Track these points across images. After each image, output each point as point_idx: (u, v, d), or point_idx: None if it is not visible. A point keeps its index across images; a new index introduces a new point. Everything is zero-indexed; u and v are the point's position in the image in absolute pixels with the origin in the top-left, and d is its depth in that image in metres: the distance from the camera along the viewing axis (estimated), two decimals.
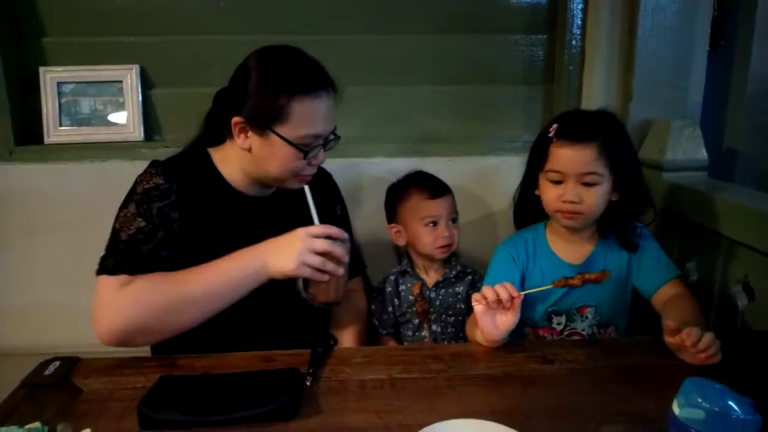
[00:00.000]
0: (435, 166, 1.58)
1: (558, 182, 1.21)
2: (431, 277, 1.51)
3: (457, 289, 1.50)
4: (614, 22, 1.64)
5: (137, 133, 1.67)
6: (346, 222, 1.43)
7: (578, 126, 1.22)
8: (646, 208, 1.28)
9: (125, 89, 1.65)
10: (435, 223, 1.46)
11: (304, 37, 1.62)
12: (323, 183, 1.33)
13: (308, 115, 1.10)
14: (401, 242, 1.53)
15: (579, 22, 1.67)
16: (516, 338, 1.31)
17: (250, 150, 1.14)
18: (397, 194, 1.52)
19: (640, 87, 1.63)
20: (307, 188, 1.15)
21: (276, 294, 1.10)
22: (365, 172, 1.68)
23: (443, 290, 1.50)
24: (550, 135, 1.22)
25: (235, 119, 1.12)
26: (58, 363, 1.03)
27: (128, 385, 0.96)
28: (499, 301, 1.04)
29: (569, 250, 1.29)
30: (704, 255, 1.40)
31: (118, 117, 1.67)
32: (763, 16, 1.86)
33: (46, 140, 1.65)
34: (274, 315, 1.16)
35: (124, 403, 0.90)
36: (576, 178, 1.19)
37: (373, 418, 0.86)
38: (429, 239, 1.46)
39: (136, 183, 1.15)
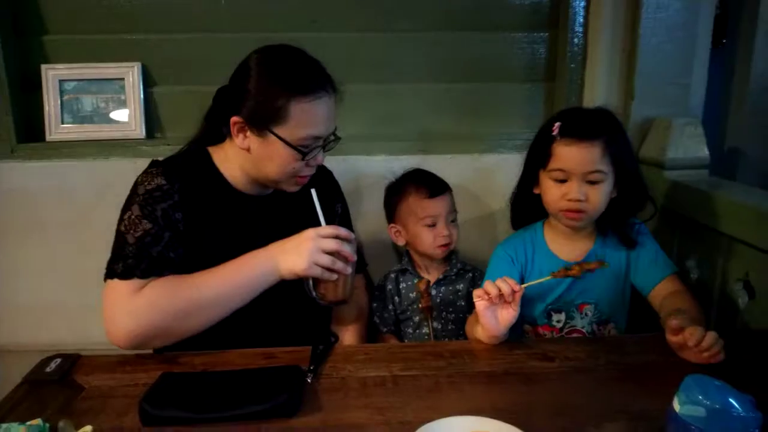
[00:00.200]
0: (436, 163, 1.58)
1: (561, 181, 1.21)
2: (432, 275, 1.51)
3: (457, 286, 1.51)
4: (616, 20, 1.64)
5: (139, 131, 1.67)
6: (347, 219, 1.43)
7: (582, 124, 1.21)
8: (644, 205, 1.28)
9: (127, 87, 1.65)
10: (434, 223, 1.45)
11: (306, 35, 1.65)
12: (324, 181, 1.33)
13: (307, 117, 1.10)
14: (401, 242, 1.53)
15: (581, 20, 1.67)
16: (516, 336, 1.32)
17: (248, 150, 1.14)
18: (396, 194, 1.52)
19: (642, 85, 1.62)
20: (313, 191, 1.15)
21: (278, 292, 1.11)
22: (366, 170, 1.68)
23: (444, 288, 1.50)
24: (553, 133, 1.21)
25: (234, 119, 1.12)
26: (59, 360, 1.03)
27: (129, 382, 0.97)
28: (500, 295, 1.05)
29: (568, 248, 1.29)
30: (705, 253, 1.39)
31: (120, 115, 1.67)
32: (766, 15, 1.86)
33: (48, 138, 1.65)
34: (275, 313, 1.16)
35: (125, 400, 0.91)
36: (581, 176, 1.19)
37: (374, 415, 0.86)
38: (428, 239, 1.46)
39: (137, 184, 1.15)
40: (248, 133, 1.12)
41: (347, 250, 1.08)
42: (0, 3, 1.58)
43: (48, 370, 1.00)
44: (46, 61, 1.64)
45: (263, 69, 1.12)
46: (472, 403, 0.89)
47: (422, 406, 0.88)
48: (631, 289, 1.30)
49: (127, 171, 1.26)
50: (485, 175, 1.71)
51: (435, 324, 1.48)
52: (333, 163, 1.39)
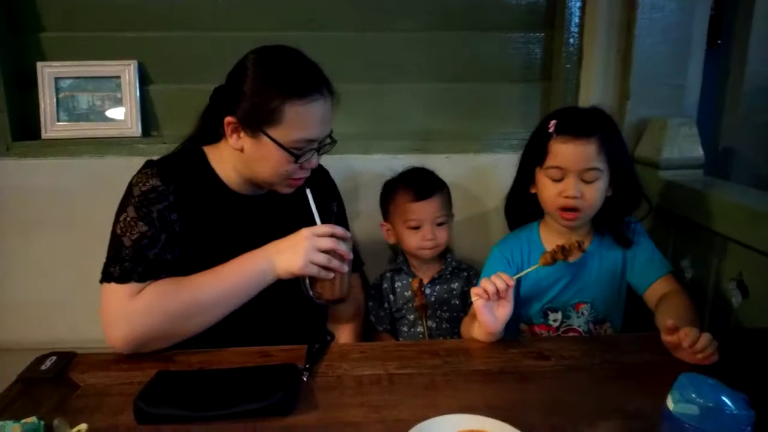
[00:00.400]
0: (432, 163, 1.59)
1: (558, 179, 1.21)
2: (426, 274, 1.52)
3: (452, 285, 1.51)
4: (612, 21, 1.65)
5: (135, 129, 1.67)
6: (343, 218, 1.43)
7: (578, 121, 1.22)
8: (639, 204, 1.29)
9: (123, 85, 1.65)
10: (418, 226, 1.46)
11: (303, 34, 1.65)
12: (320, 179, 1.33)
13: (301, 119, 1.10)
14: (391, 240, 1.54)
15: (577, 20, 1.68)
16: (512, 335, 1.32)
17: (242, 150, 1.13)
18: (388, 192, 1.53)
19: (637, 85, 1.63)
20: (308, 190, 1.15)
21: (274, 291, 1.11)
22: (362, 169, 1.68)
23: (438, 286, 1.50)
24: (550, 131, 1.22)
25: (228, 119, 1.11)
26: (54, 358, 1.03)
27: (125, 380, 0.96)
28: (496, 292, 1.06)
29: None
30: (699, 252, 1.40)
31: (116, 113, 1.67)
32: (760, 16, 1.87)
33: (44, 135, 1.64)
34: (271, 312, 1.16)
35: (120, 398, 0.90)
36: (577, 173, 1.19)
37: (369, 413, 0.86)
38: (412, 240, 1.46)
39: (132, 185, 1.14)
40: (242, 134, 1.12)
41: (343, 248, 1.09)
42: None
43: (43, 368, 0.99)
44: (42, 59, 1.64)
45: (259, 70, 1.11)
46: (467, 402, 0.89)
47: (417, 404, 0.88)
48: (627, 288, 1.30)
49: (122, 169, 1.25)
50: (481, 174, 1.72)
51: (429, 323, 1.48)
52: (329, 161, 1.39)
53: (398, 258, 1.58)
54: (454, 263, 1.53)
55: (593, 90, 1.68)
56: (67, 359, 1.03)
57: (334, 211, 1.39)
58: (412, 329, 1.51)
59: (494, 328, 1.08)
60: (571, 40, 1.69)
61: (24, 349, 1.14)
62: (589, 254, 1.28)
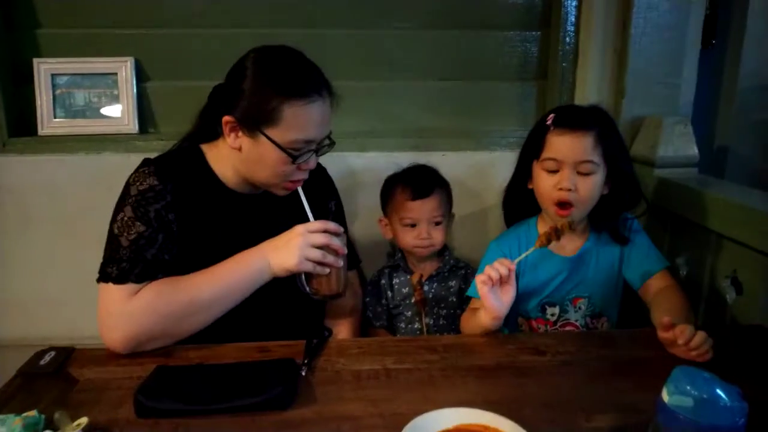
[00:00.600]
0: (428, 161, 1.59)
1: (554, 172, 1.23)
2: (424, 271, 1.52)
3: (450, 283, 1.52)
4: (608, 20, 1.66)
5: (131, 126, 1.66)
6: (341, 216, 1.44)
7: (576, 115, 1.24)
8: (638, 202, 1.30)
9: (120, 82, 1.65)
10: (414, 224, 1.46)
11: (300, 31, 1.65)
12: (318, 177, 1.34)
13: (299, 120, 1.10)
14: (388, 236, 1.54)
15: (573, 19, 1.69)
16: (510, 329, 1.33)
17: (240, 149, 1.13)
18: (387, 188, 1.53)
19: (632, 84, 1.64)
20: (299, 188, 1.16)
21: (271, 288, 1.11)
22: (359, 166, 1.69)
23: (436, 284, 1.51)
24: (547, 123, 1.24)
25: (226, 118, 1.11)
26: (53, 353, 1.03)
27: (124, 375, 0.97)
28: (500, 277, 1.10)
29: (562, 243, 1.30)
30: (694, 250, 1.41)
31: (113, 109, 1.67)
32: (755, 16, 1.88)
33: (40, 132, 1.64)
34: (269, 308, 1.17)
35: (119, 392, 0.91)
36: (573, 165, 1.20)
37: (368, 407, 0.87)
38: (407, 238, 1.47)
39: (129, 184, 1.13)
40: (240, 133, 1.12)
41: (337, 243, 1.10)
42: None
43: (42, 363, 1.00)
44: (38, 55, 1.64)
45: (258, 69, 1.11)
46: (464, 396, 0.90)
47: (415, 398, 0.89)
48: (623, 283, 1.32)
49: (119, 166, 1.26)
50: (478, 172, 1.72)
51: (427, 319, 1.49)
52: (326, 159, 1.39)
53: (396, 255, 1.58)
54: (452, 261, 1.54)
55: (589, 88, 1.69)
56: (65, 354, 1.03)
57: (332, 210, 1.39)
58: (410, 326, 1.52)
59: (500, 311, 1.10)
60: (568, 39, 1.70)
61: (21, 345, 1.14)
62: (587, 250, 1.30)
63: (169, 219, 1.12)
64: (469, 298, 1.33)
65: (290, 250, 1.07)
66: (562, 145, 1.21)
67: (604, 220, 1.29)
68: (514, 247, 1.32)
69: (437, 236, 1.47)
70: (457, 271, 1.53)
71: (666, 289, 1.22)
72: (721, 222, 1.31)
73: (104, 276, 1.06)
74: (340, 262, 1.11)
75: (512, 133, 1.73)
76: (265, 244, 1.11)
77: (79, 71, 1.65)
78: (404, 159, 1.60)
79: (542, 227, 1.33)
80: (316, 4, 1.67)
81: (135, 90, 1.66)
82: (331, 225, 1.11)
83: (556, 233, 1.17)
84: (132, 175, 1.15)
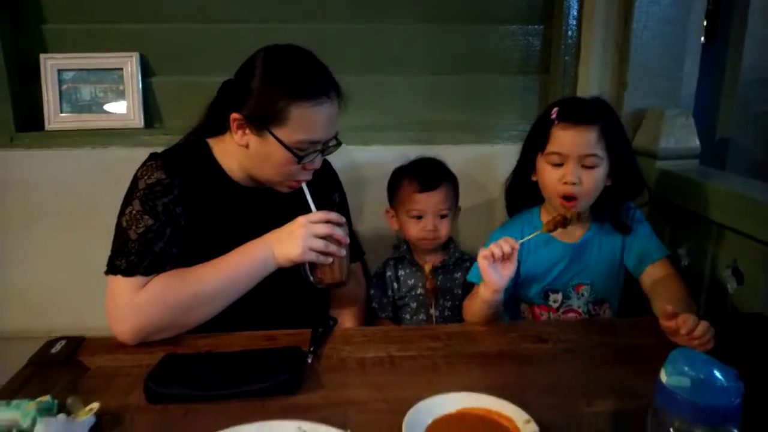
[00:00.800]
0: (431, 154, 1.59)
1: (558, 165, 1.24)
2: (430, 263, 1.53)
3: (455, 275, 1.53)
4: (610, 13, 1.66)
5: (137, 121, 1.68)
6: (345, 209, 1.45)
7: (580, 109, 1.25)
8: (639, 193, 1.31)
9: (125, 77, 1.66)
10: (420, 216, 1.47)
11: (303, 25, 1.66)
12: (322, 170, 1.35)
13: (307, 121, 1.11)
14: (394, 227, 1.56)
15: (575, 13, 1.69)
16: (513, 316, 1.35)
17: (247, 147, 1.15)
18: (395, 179, 1.54)
19: (634, 77, 1.65)
20: (303, 183, 1.17)
21: (277, 278, 1.13)
22: (362, 160, 1.70)
23: (441, 276, 1.52)
24: (552, 117, 1.25)
25: (234, 115, 1.12)
26: (64, 342, 1.05)
27: (133, 363, 0.99)
28: (502, 255, 1.11)
29: (565, 231, 1.31)
30: (695, 240, 1.43)
31: (119, 104, 1.68)
32: (756, 11, 1.89)
33: (47, 127, 1.66)
34: (275, 298, 1.18)
35: (129, 379, 0.93)
36: (577, 159, 1.22)
37: (373, 392, 0.89)
38: (413, 230, 1.48)
39: (137, 178, 1.15)
40: (247, 131, 1.13)
41: (339, 233, 1.11)
42: None
43: (53, 351, 1.02)
44: (45, 51, 1.65)
45: (267, 69, 1.12)
46: (467, 382, 0.91)
47: (419, 384, 0.91)
48: (625, 271, 1.33)
49: (126, 160, 1.27)
50: (480, 165, 1.73)
51: (432, 311, 1.50)
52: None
53: (402, 246, 1.60)
54: (457, 254, 1.55)
55: (591, 82, 1.70)
56: (76, 343, 1.05)
57: (336, 202, 1.41)
58: (415, 317, 1.53)
59: (500, 284, 1.12)
60: (569, 33, 1.70)
61: (29, 337, 1.15)
62: (589, 238, 1.31)
63: (177, 212, 1.13)
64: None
65: (293, 241, 1.08)
66: (567, 139, 1.22)
67: (607, 209, 1.30)
68: (517, 235, 1.33)
69: (443, 229, 1.48)
70: (462, 263, 1.55)
71: (666, 278, 1.23)
72: (722, 213, 1.32)
73: (113, 269, 1.08)
74: (343, 252, 1.12)
75: (515, 126, 1.74)
76: (269, 235, 1.12)
77: (85, 66, 1.66)
78: (407, 153, 1.60)
79: (545, 217, 1.34)
80: None
81: (140, 85, 1.67)
82: (333, 215, 1.12)
83: (564, 221, 1.18)
84: (140, 168, 1.16)
